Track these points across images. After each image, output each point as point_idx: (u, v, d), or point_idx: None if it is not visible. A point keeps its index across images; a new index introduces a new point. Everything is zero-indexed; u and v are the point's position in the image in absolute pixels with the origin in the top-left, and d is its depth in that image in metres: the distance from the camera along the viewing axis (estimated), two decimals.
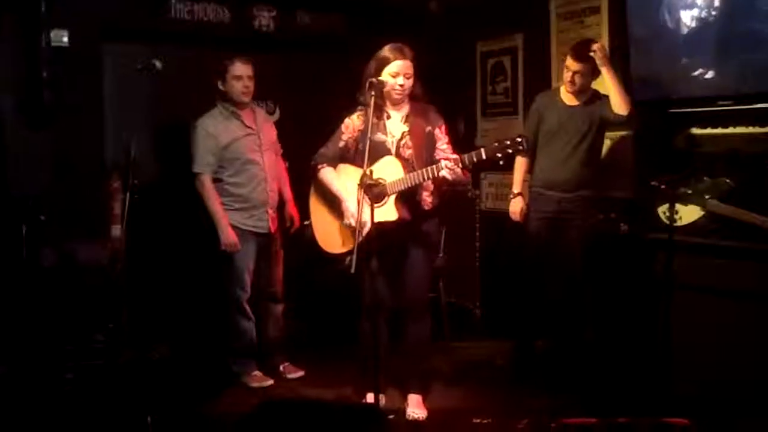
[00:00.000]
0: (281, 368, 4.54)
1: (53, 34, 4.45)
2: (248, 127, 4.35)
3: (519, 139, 3.33)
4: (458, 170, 3.43)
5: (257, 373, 4.40)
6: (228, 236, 4.21)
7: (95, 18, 4.59)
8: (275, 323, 4.55)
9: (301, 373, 4.54)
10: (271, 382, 4.38)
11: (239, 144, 4.29)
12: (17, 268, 4.01)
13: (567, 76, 4.29)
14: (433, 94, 3.86)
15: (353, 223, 3.56)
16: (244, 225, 4.30)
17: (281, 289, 4.54)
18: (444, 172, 3.43)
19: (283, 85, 5.44)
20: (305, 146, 4.07)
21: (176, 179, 4.56)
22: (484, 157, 3.39)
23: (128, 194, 3.72)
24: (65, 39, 4.48)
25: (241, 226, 4.28)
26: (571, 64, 4.26)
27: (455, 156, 3.48)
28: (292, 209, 4.54)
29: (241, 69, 4.27)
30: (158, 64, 3.87)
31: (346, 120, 3.78)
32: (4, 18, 4.34)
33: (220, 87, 4.31)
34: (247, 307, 4.36)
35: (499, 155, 3.35)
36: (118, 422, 3.70)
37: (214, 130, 4.26)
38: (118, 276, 4.09)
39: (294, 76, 5.48)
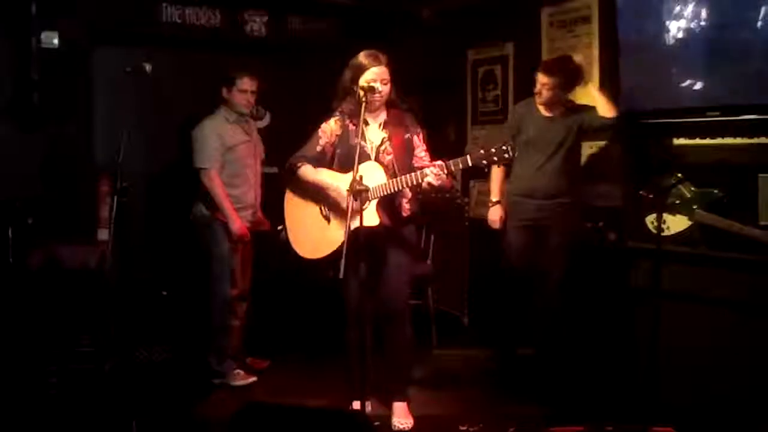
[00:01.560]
0: (248, 362, 4.63)
1: (44, 36, 4.44)
2: (247, 134, 4.50)
3: (505, 148, 3.33)
4: (444, 176, 3.43)
5: (239, 371, 4.44)
6: (240, 227, 4.31)
7: (86, 20, 4.58)
8: (241, 320, 4.63)
9: (266, 364, 4.69)
10: (254, 378, 4.45)
11: (240, 148, 4.43)
12: (3, 271, 3.98)
13: (537, 87, 4.39)
14: (424, 101, 3.88)
15: (345, 200, 3.52)
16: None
17: (248, 288, 4.63)
18: (430, 178, 3.43)
19: (274, 90, 5.44)
20: (295, 151, 4.07)
21: (166, 181, 4.56)
22: (469, 164, 3.39)
23: (116, 197, 3.72)
24: (55, 41, 4.48)
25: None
26: (540, 77, 4.36)
27: (440, 162, 3.47)
28: (260, 213, 4.61)
29: (248, 84, 4.41)
30: (148, 67, 3.88)
31: (323, 125, 3.77)
32: None
33: (224, 95, 4.40)
34: (236, 307, 4.43)
35: (485, 163, 3.36)
36: (103, 427, 3.68)
37: (222, 131, 4.37)
38: (106, 279, 4.07)
39: (285, 81, 5.48)
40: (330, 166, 3.75)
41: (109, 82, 4.73)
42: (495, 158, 3.34)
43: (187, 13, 5.00)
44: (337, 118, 3.74)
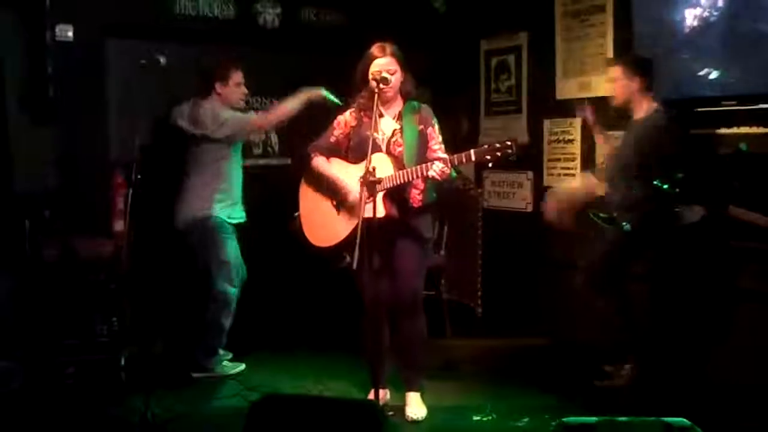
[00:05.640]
0: None
1: (58, 29, 4.46)
2: None
3: (509, 143, 3.30)
4: (447, 171, 3.41)
5: (227, 362, 4.49)
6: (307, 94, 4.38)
7: (100, 13, 4.59)
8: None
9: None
10: (243, 366, 4.49)
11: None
12: (20, 263, 4.02)
13: None
14: (437, 91, 3.86)
15: (354, 197, 3.55)
16: (230, 218, 4.40)
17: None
18: (432, 173, 3.42)
19: (287, 82, 5.44)
20: (307, 143, 4.09)
21: (181, 174, 4.57)
22: (473, 159, 3.37)
23: (132, 189, 3.74)
24: (70, 34, 4.49)
25: (229, 219, 4.39)
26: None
27: (444, 156, 3.46)
28: None
29: (240, 76, 4.43)
30: (162, 59, 3.89)
31: (339, 117, 3.82)
32: (8, 13, 4.35)
33: (218, 90, 4.39)
34: (233, 305, 4.42)
35: (488, 157, 3.33)
36: (118, 416, 3.72)
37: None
38: (122, 271, 4.10)
39: (298, 72, 5.47)
40: (345, 157, 3.77)
41: (124, 74, 4.74)
42: (498, 153, 3.31)
43: (201, 5, 5.01)
44: (352, 110, 3.77)
